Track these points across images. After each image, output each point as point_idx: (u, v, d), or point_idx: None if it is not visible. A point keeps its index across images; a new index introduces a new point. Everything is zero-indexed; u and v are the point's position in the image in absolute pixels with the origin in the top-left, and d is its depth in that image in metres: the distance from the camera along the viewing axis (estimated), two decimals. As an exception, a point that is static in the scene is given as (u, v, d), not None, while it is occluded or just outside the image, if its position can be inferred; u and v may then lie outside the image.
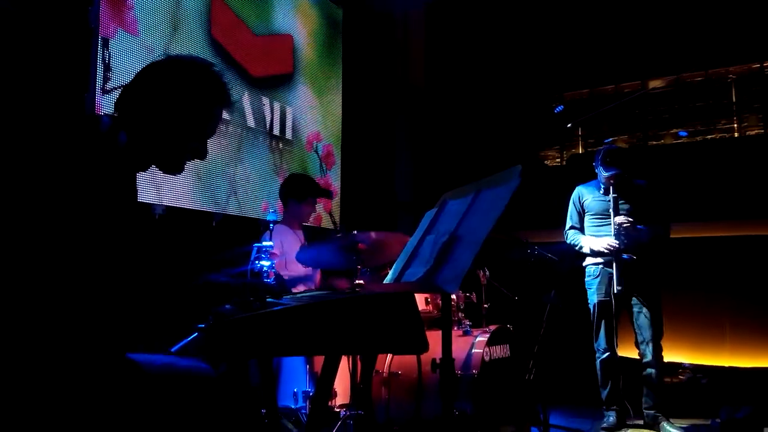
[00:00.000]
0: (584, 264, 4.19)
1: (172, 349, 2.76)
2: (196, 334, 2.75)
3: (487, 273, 3.83)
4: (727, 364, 4.83)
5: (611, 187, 4.02)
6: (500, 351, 3.39)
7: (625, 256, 3.92)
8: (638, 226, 3.94)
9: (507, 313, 3.88)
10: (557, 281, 4.03)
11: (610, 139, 6.66)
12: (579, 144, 6.72)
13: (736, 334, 5.07)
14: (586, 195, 4.21)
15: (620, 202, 4.02)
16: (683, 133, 6.26)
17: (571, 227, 4.26)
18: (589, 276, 4.14)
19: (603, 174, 4.07)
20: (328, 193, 4.05)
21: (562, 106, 6.73)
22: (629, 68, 6.26)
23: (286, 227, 3.75)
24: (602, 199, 4.10)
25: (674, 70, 5.98)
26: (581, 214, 4.23)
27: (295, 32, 5.00)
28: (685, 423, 3.93)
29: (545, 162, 6.83)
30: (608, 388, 4.02)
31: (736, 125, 5.99)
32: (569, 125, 5.83)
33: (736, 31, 5.56)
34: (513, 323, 3.62)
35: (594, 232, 4.12)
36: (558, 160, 6.89)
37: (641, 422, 3.97)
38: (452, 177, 4.36)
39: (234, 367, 1.86)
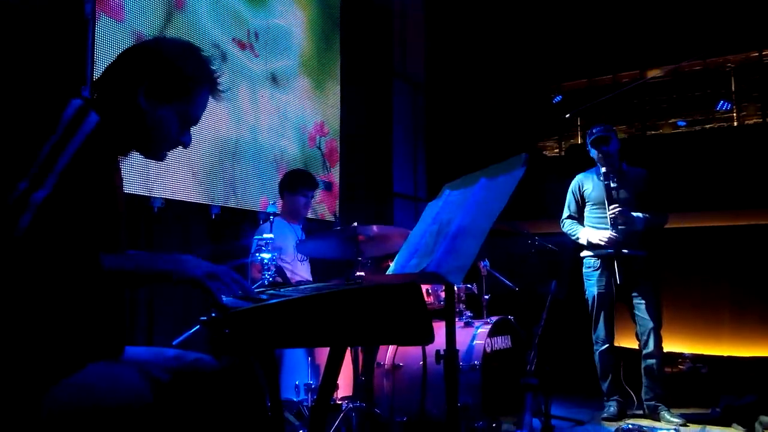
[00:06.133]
0: (582, 255, 4.18)
1: (174, 342, 2.76)
2: (198, 326, 2.75)
3: (487, 264, 3.82)
4: (726, 354, 4.84)
5: (606, 175, 4.01)
6: (501, 342, 3.39)
7: (625, 251, 3.91)
8: (634, 214, 3.94)
9: (508, 305, 3.88)
10: (558, 272, 4.02)
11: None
12: (578, 134, 6.71)
13: (735, 323, 5.08)
14: (586, 184, 4.21)
15: (617, 189, 4.01)
16: (682, 123, 6.25)
17: (569, 216, 4.27)
18: (588, 268, 4.13)
19: (595, 154, 4.08)
20: (320, 185, 4.01)
21: (560, 97, 6.72)
22: (627, 58, 6.25)
23: (282, 220, 3.76)
24: (602, 187, 4.09)
25: (672, 59, 5.96)
26: (579, 204, 4.23)
27: (293, 23, 4.96)
28: (685, 412, 3.94)
29: (544, 152, 6.82)
30: (608, 379, 4.04)
31: (735, 114, 5.98)
32: (568, 115, 5.83)
33: (734, 19, 5.54)
34: (514, 314, 3.62)
35: (594, 223, 4.11)
36: (557, 150, 6.89)
37: (641, 412, 3.99)
38: (450, 168, 4.34)
39: (238, 360, 1.85)
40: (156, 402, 1.35)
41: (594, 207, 4.14)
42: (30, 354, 1.30)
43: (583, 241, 4.11)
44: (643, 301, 3.94)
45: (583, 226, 4.17)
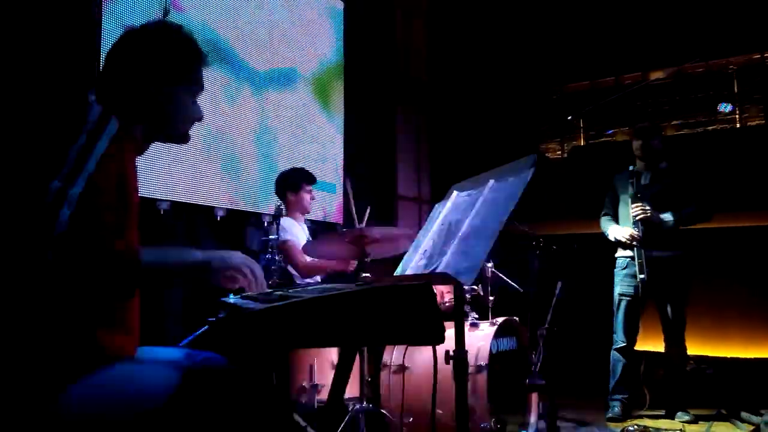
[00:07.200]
0: (616, 255, 4.19)
1: (181, 344, 2.76)
2: (206, 327, 2.75)
3: (492, 265, 3.82)
4: (731, 355, 4.85)
5: (632, 173, 4.01)
6: (507, 343, 3.40)
7: (654, 252, 3.91)
8: (662, 214, 3.93)
9: (513, 306, 3.89)
10: (563, 274, 4.03)
11: (611, 131, 6.67)
12: (580, 136, 6.72)
13: (740, 325, 5.09)
14: (620, 182, 4.22)
15: (648, 187, 4.02)
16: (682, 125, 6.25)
17: (605, 214, 4.28)
18: (617, 267, 4.15)
19: (636, 146, 4.11)
20: (333, 189, 4.06)
21: (560, 98, 6.73)
22: (630, 60, 6.26)
23: (292, 220, 3.79)
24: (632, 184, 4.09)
25: (675, 61, 5.97)
26: (614, 201, 4.24)
27: (296, 25, 4.97)
28: (691, 412, 3.96)
29: (546, 155, 6.83)
30: (617, 377, 4.04)
31: (737, 116, 5.99)
32: (570, 117, 5.83)
33: (736, 21, 5.55)
34: (519, 315, 3.62)
35: (623, 220, 4.11)
36: (559, 152, 6.90)
37: (654, 412, 4.01)
38: (454, 170, 4.33)
39: (250, 360, 1.85)
40: (171, 399, 1.35)
41: (624, 204, 4.14)
42: (59, 351, 1.32)
43: (611, 238, 4.12)
44: (668, 304, 3.95)
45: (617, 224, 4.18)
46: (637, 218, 3.92)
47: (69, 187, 1.29)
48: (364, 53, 5.83)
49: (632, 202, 3.96)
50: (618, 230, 4.05)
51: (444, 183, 2.18)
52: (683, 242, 4.02)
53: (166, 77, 1.58)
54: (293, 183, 3.86)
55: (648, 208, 3.92)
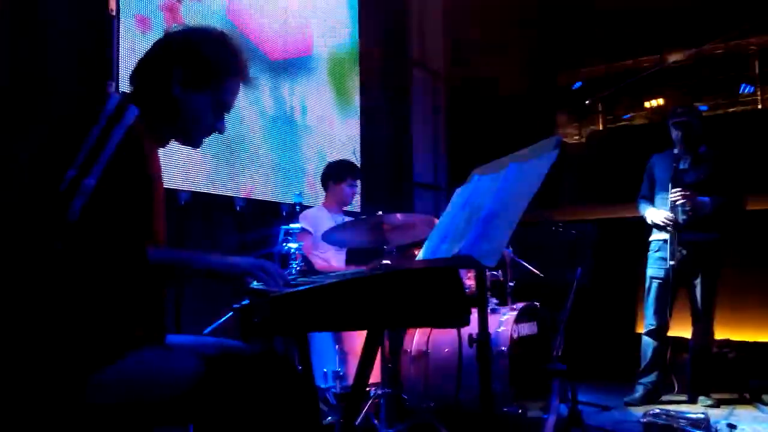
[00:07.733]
0: (650, 239, 4.16)
1: (205, 331, 2.79)
2: (230, 314, 2.78)
3: (512, 251, 3.81)
4: (753, 339, 4.81)
5: (675, 157, 3.96)
6: (528, 328, 3.40)
7: (687, 235, 3.87)
8: (701, 198, 3.89)
9: (533, 291, 3.88)
10: (583, 259, 4.00)
11: (629, 114, 6.61)
12: (598, 120, 6.67)
13: (762, 308, 5.03)
14: (657, 165, 4.17)
15: (686, 172, 3.96)
16: (703, 107, 6.17)
17: (642, 196, 4.24)
18: (650, 250, 4.13)
19: (674, 134, 4.03)
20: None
21: (580, 83, 6.66)
22: (648, 42, 6.17)
23: (325, 209, 3.81)
24: (669, 169, 4.04)
25: (694, 42, 5.88)
26: (651, 183, 4.19)
27: (310, 13, 4.95)
28: (713, 396, 3.93)
29: (564, 139, 6.78)
30: (647, 361, 4.03)
31: (758, 97, 5.90)
32: (588, 102, 5.78)
33: (756, 1, 5.45)
34: (539, 301, 3.62)
35: (659, 205, 4.07)
36: (576, 137, 6.85)
37: (677, 397, 4.01)
38: (470, 157, 4.29)
39: (271, 346, 1.87)
40: (203, 381, 1.37)
41: (660, 188, 4.09)
42: (77, 339, 1.33)
43: (648, 221, 4.09)
44: (698, 287, 3.93)
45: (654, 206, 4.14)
46: (677, 204, 3.88)
47: (83, 177, 1.29)
48: (379, 40, 5.80)
49: (672, 187, 3.92)
50: (655, 213, 4.01)
51: (461, 170, 2.17)
52: (719, 225, 3.96)
53: (191, 82, 1.58)
54: (338, 174, 3.90)
55: (687, 192, 3.86)
